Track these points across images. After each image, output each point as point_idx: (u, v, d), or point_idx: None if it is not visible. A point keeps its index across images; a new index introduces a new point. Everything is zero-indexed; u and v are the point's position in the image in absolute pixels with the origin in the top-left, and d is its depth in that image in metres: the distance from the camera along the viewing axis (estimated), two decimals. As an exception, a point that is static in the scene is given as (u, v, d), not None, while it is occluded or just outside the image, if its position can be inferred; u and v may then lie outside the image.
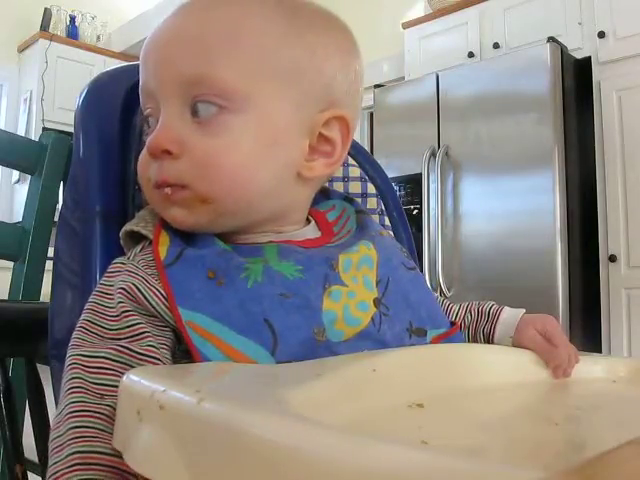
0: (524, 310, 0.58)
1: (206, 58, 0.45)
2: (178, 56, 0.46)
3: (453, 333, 0.54)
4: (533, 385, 0.49)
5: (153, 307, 0.44)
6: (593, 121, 2.44)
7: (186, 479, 0.28)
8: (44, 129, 3.57)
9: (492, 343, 0.57)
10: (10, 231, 1.28)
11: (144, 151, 0.48)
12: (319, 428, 0.25)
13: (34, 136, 3.44)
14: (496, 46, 2.77)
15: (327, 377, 0.35)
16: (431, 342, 0.51)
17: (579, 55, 2.51)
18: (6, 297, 1.26)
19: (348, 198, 0.59)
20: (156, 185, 0.47)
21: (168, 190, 0.46)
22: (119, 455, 0.36)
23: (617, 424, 0.38)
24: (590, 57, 2.48)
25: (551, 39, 2.39)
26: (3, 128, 3.54)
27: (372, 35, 3.53)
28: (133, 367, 0.41)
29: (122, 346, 0.42)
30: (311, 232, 0.53)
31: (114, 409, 0.39)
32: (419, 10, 3.38)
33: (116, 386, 0.39)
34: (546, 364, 0.52)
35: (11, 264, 1.26)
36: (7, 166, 1.48)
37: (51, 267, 0.63)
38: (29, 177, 1.34)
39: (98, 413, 0.39)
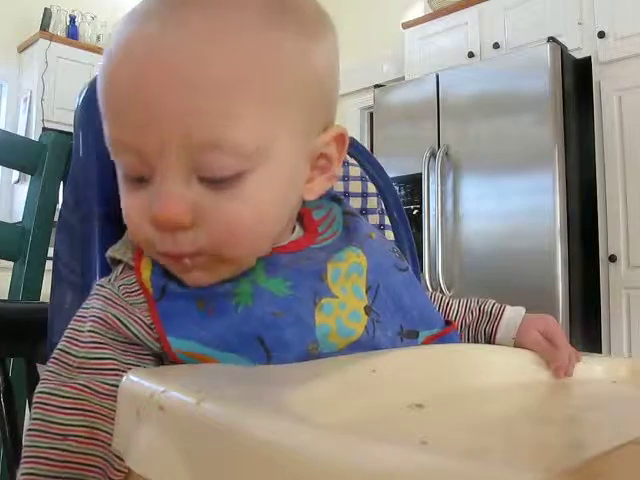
0: (524, 310, 0.58)
1: (218, 117, 0.38)
2: (181, 113, 0.38)
3: (447, 333, 0.53)
4: (533, 385, 0.49)
5: (135, 335, 0.43)
6: (593, 121, 2.44)
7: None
8: (44, 129, 3.56)
9: (493, 343, 0.57)
10: (10, 231, 1.28)
11: (139, 210, 0.42)
12: (319, 429, 0.25)
13: (34, 136, 3.44)
14: (496, 46, 2.77)
15: (327, 377, 0.35)
16: (423, 342, 0.50)
17: (579, 55, 2.51)
18: (6, 297, 1.26)
19: (336, 198, 0.57)
20: (169, 256, 0.43)
21: (187, 261, 0.42)
22: None
23: (617, 424, 0.38)
24: (590, 57, 2.48)
25: (551, 39, 2.39)
26: (3, 128, 3.54)
27: (372, 35, 3.53)
28: (94, 407, 0.41)
29: (83, 384, 0.42)
30: (294, 234, 0.51)
31: (72, 452, 0.40)
32: (419, 10, 3.38)
33: (78, 425, 0.40)
34: (547, 365, 0.52)
35: (11, 264, 1.26)
36: (7, 166, 1.48)
37: (51, 267, 0.63)
38: (29, 177, 1.34)
39: (47, 459, 0.40)
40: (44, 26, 3.83)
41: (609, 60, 2.43)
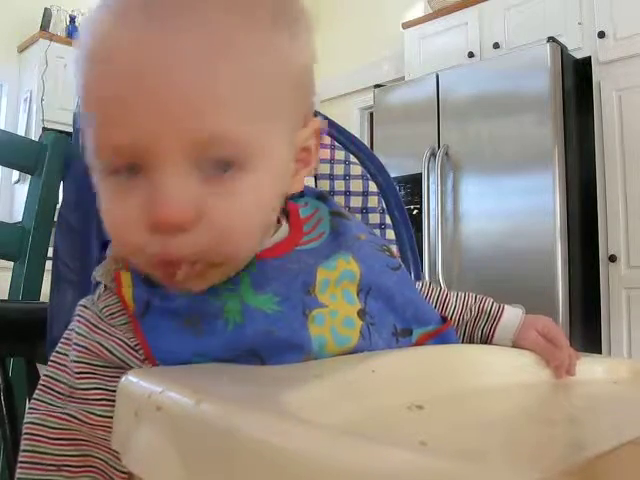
0: (523, 311, 0.57)
1: (216, 111, 0.38)
2: (178, 109, 0.37)
3: (444, 330, 0.52)
4: (533, 386, 0.49)
5: (119, 359, 0.42)
6: (593, 121, 2.44)
7: (185, 480, 0.28)
8: (44, 129, 3.56)
9: (489, 343, 0.57)
10: (10, 231, 1.28)
11: (129, 209, 0.39)
12: (317, 429, 0.25)
13: (34, 136, 3.44)
14: (496, 46, 2.77)
15: (326, 378, 0.35)
16: (419, 340, 0.50)
17: (579, 55, 2.50)
18: (6, 297, 1.26)
19: (322, 196, 0.55)
20: (163, 262, 0.40)
21: (183, 268, 0.39)
22: None
23: (617, 425, 0.38)
24: (590, 57, 2.48)
25: (551, 39, 2.39)
26: (3, 128, 3.54)
27: (372, 35, 3.53)
28: (85, 435, 0.41)
29: (71, 415, 0.42)
30: (280, 233, 0.49)
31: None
32: (419, 10, 3.38)
33: (71, 455, 0.40)
34: (547, 364, 0.52)
35: (11, 264, 1.26)
36: (7, 166, 1.48)
37: (51, 267, 0.63)
38: (29, 177, 1.34)
39: None
40: (44, 26, 3.83)
41: (609, 60, 2.43)
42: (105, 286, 0.46)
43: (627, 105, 2.37)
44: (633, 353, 2.25)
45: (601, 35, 2.43)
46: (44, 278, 1.23)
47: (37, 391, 0.44)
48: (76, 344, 0.44)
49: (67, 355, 0.44)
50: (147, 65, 0.36)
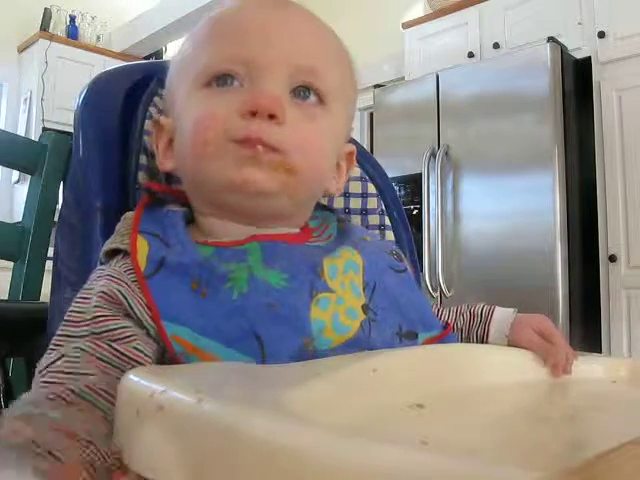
0: (515, 309, 0.58)
1: (319, 57, 0.51)
2: (296, 44, 0.49)
3: (446, 335, 0.53)
4: (533, 385, 0.49)
5: (137, 317, 0.43)
6: (593, 121, 2.44)
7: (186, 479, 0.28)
8: (44, 129, 3.56)
9: (486, 343, 0.57)
10: (10, 231, 1.28)
11: (221, 105, 0.47)
12: (319, 428, 0.25)
13: (34, 136, 3.44)
14: (496, 46, 2.77)
15: (327, 377, 0.35)
16: (423, 344, 0.50)
17: (579, 55, 2.50)
18: (6, 297, 1.26)
19: (328, 208, 0.60)
20: (244, 140, 0.45)
21: (260, 148, 0.45)
22: None
23: (617, 424, 0.38)
24: (590, 57, 2.48)
25: (551, 39, 2.39)
26: (3, 128, 3.54)
27: (372, 35, 3.53)
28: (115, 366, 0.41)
29: (115, 349, 0.41)
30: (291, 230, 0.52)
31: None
32: (419, 10, 3.38)
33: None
34: (544, 362, 0.52)
35: (11, 264, 1.26)
36: (7, 166, 1.49)
37: (51, 267, 0.63)
38: (29, 177, 1.34)
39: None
40: (44, 26, 3.83)
41: (609, 60, 2.42)
42: (124, 253, 0.47)
43: (627, 105, 2.37)
44: (633, 353, 2.25)
45: (601, 35, 2.43)
46: (44, 278, 1.23)
47: (49, 348, 0.43)
48: (97, 292, 0.44)
49: (82, 313, 0.44)
50: (285, 15, 0.51)
